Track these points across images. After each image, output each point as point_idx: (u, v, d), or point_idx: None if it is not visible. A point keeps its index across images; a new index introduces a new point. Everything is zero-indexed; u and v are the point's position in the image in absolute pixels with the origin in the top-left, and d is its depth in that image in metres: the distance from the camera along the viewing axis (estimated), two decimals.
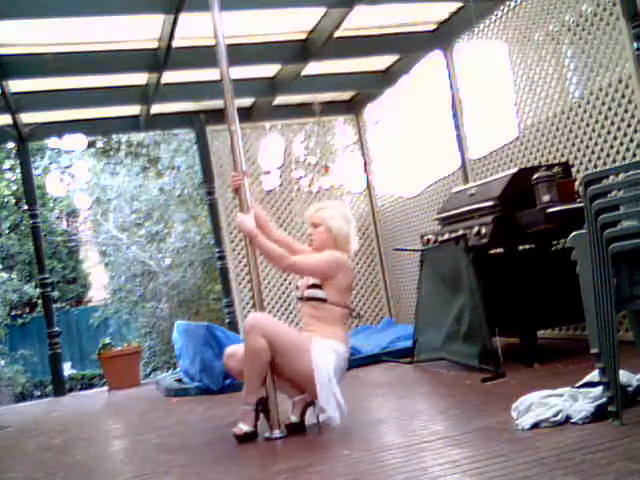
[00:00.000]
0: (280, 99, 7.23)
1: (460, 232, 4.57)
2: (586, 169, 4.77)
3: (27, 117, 6.85)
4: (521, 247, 4.75)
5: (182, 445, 3.64)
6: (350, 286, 3.58)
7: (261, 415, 3.42)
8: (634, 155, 4.40)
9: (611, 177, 3.16)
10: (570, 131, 4.98)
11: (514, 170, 4.69)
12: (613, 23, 4.48)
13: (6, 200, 13.40)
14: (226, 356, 3.65)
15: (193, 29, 5.21)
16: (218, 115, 5.84)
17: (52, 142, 12.25)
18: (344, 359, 3.49)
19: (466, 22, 5.80)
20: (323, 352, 3.37)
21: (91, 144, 13.06)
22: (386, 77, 7.21)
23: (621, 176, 2.77)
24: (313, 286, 3.52)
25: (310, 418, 3.45)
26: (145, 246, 11.81)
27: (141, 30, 5.45)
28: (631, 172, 2.57)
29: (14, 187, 13.45)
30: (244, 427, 3.36)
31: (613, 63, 4.52)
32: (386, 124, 7.69)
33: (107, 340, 7.56)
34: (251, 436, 3.35)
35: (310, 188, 8.17)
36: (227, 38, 3.63)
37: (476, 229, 4.45)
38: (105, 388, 7.55)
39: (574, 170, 4.79)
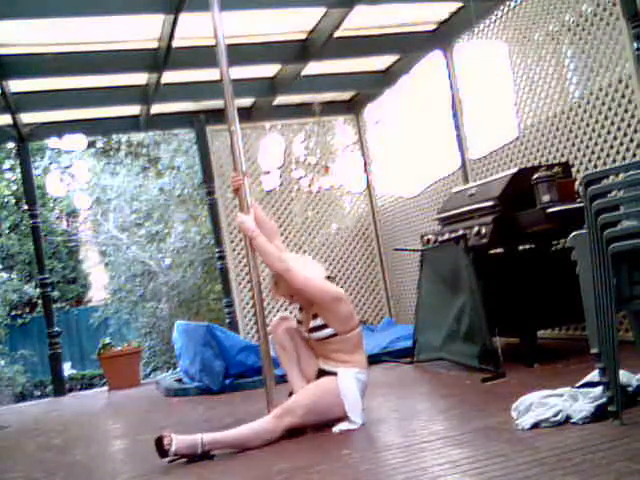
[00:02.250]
0: (280, 99, 7.23)
1: (460, 232, 4.57)
2: (586, 169, 4.77)
3: (27, 117, 6.85)
4: (521, 247, 4.75)
5: None
6: (352, 312, 3.50)
7: None
8: (634, 155, 4.40)
9: (611, 177, 3.16)
10: (570, 131, 4.98)
11: (514, 170, 4.69)
12: (613, 23, 4.48)
13: (6, 200, 13.40)
14: (275, 328, 3.58)
15: (193, 29, 5.21)
16: (218, 115, 5.84)
17: (52, 142, 12.25)
18: (366, 384, 3.48)
19: (466, 22, 5.80)
20: (348, 382, 3.35)
21: (91, 144, 13.06)
22: (386, 77, 7.21)
23: (621, 176, 2.77)
24: (316, 329, 3.45)
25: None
26: (145, 246, 11.81)
27: (141, 30, 5.45)
28: (631, 172, 2.57)
29: (14, 187, 13.45)
30: (174, 446, 3.12)
31: (613, 63, 4.52)
32: (386, 124, 7.69)
33: (107, 340, 7.57)
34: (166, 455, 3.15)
35: (310, 188, 8.18)
36: (227, 38, 3.63)
37: (476, 229, 4.45)
38: (105, 388, 7.55)
39: (574, 170, 4.79)
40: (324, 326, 3.42)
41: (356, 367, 3.43)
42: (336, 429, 3.30)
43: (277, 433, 3.23)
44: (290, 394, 3.51)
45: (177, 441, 3.12)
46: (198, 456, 3.13)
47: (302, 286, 3.40)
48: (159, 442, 3.12)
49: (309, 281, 3.41)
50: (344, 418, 3.32)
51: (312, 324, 3.47)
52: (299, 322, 3.61)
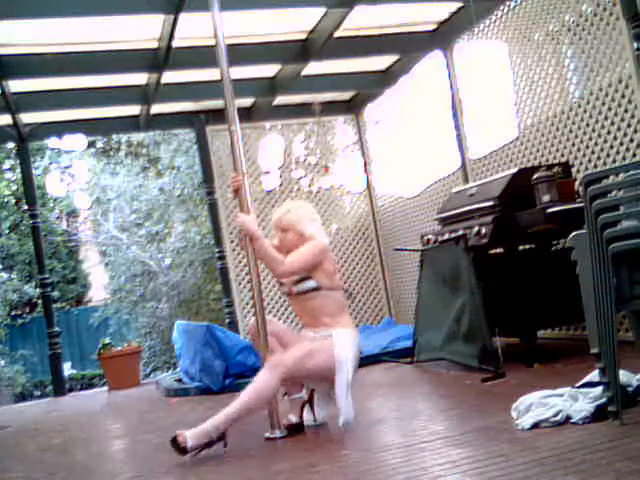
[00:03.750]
0: (280, 99, 7.23)
1: (460, 232, 4.57)
2: (586, 169, 4.77)
3: (27, 117, 6.84)
4: (521, 247, 4.75)
5: None
6: (335, 269, 3.53)
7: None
8: (634, 155, 4.40)
9: (611, 177, 3.16)
10: (570, 131, 4.98)
11: (514, 170, 4.68)
12: (613, 23, 4.48)
13: (6, 200, 13.40)
14: (251, 328, 3.54)
15: (193, 29, 5.21)
16: (218, 115, 5.86)
17: (52, 142, 12.26)
18: (360, 350, 3.47)
19: (466, 22, 5.80)
20: (345, 346, 3.34)
21: (91, 144, 13.08)
22: (386, 77, 7.20)
23: (621, 176, 2.77)
24: (301, 280, 3.44)
25: (307, 418, 3.46)
26: (145, 246, 11.81)
27: (141, 30, 5.45)
28: (631, 172, 2.57)
29: (14, 187, 13.45)
30: (191, 441, 3.12)
31: (613, 63, 4.52)
32: (386, 124, 7.69)
33: (107, 340, 7.56)
34: (185, 451, 3.12)
35: (310, 188, 8.17)
36: (227, 38, 3.63)
37: (476, 229, 4.45)
38: (105, 388, 7.55)
39: (574, 170, 4.79)
40: (308, 278, 3.42)
41: (348, 328, 3.43)
42: (308, 416, 3.34)
43: (273, 385, 3.21)
44: (285, 394, 3.51)
45: (191, 435, 3.12)
46: (216, 441, 3.15)
47: (303, 271, 3.41)
48: (175, 442, 3.12)
49: (305, 263, 3.40)
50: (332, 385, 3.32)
51: (296, 277, 3.45)
52: (280, 284, 3.59)
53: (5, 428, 5.38)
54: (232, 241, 7.48)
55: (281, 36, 5.98)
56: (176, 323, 6.55)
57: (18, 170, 10.19)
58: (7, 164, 13.68)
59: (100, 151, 13.46)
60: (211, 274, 10.75)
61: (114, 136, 12.45)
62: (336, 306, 3.45)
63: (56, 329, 7.26)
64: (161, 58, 5.67)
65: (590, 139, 4.78)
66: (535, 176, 4.28)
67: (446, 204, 5.31)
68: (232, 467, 2.99)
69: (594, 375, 2.87)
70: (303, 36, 6.01)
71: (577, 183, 4.21)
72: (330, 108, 7.83)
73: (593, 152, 4.76)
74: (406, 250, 6.85)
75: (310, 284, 3.42)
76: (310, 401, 3.49)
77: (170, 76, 6.11)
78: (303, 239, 3.48)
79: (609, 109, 4.58)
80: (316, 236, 3.48)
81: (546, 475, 2.15)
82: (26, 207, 7.59)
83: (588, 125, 4.79)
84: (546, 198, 4.19)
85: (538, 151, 5.32)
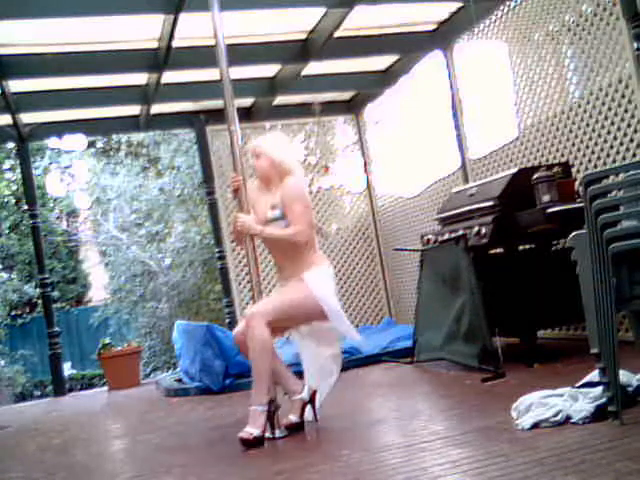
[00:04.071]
0: (280, 99, 7.23)
1: (460, 232, 4.57)
2: (586, 169, 4.77)
3: (27, 117, 6.84)
4: (521, 247, 4.75)
5: (182, 445, 3.64)
6: (310, 206, 3.60)
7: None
8: (634, 155, 4.39)
9: (611, 177, 3.16)
10: (570, 131, 4.97)
11: (514, 170, 4.68)
12: (613, 23, 4.48)
13: (6, 200, 13.40)
14: (236, 334, 3.55)
15: (193, 29, 5.21)
16: (218, 115, 5.83)
17: (52, 142, 12.25)
18: (334, 278, 3.66)
19: (466, 22, 5.80)
20: (321, 283, 3.47)
21: (91, 144, 13.07)
22: (386, 77, 7.20)
23: (621, 176, 2.77)
24: (273, 220, 3.50)
25: (308, 415, 3.46)
26: (145, 246, 11.81)
27: (141, 30, 5.45)
28: (631, 172, 2.57)
29: (14, 187, 13.45)
30: (254, 431, 3.19)
31: (613, 63, 4.52)
32: (386, 124, 7.69)
33: (107, 340, 7.57)
34: (260, 441, 3.19)
35: (310, 188, 8.17)
36: (227, 38, 3.63)
37: (476, 229, 4.45)
38: (105, 388, 7.55)
39: (574, 170, 4.79)
40: (282, 217, 3.48)
41: (321, 265, 3.54)
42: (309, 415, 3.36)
43: (264, 333, 3.28)
44: (285, 394, 3.51)
45: (251, 426, 3.20)
46: (272, 410, 3.28)
47: (309, 220, 3.51)
48: (246, 443, 3.17)
49: (305, 213, 3.49)
50: (322, 319, 3.44)
51: (270, 215, 3.51)
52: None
53: (5, 428, 5.38)
54: (232, 241, 7.48)
55: (281, 36, 5.98)
56: (176, 323, 6.55)
57: (18, 170, 10.19)
58: (7, 164, 13.68)
59: (100, 151, 13.46)
60: (211, 274, 10.75)
61: (114, 136, 12.45)
62: (308, 245, 3.51)
63: (56, 329, 7.26)
64: (161, 58, 5.67)
65: (590, 139, 4.78)
66: (535, 176, 4.28)
67: (446, 204, 5.31)
68: (232, 467, 2.99)
69: (594, 375, 2.87)
70: (303, 36, 6.01)
71: (577, 183, 4.21)
72: (330, 108, 7.82)
73: (593, 152, 4.76)
74: (406, 250, 6.85)
75: (276, 213, 3.49)
76: (312, 402, 3.48)
77: (170, 76, 6.11)
78: (272, 164, 3.55)
79: (609, 109, 4.58)
80: (294, 171, 3.57)
81: (546, 475, 2.15)
82: (26, 207, 7.59)
83: (588, 125, 4.79)
84: (546, 198, 4.19)
85: (538, 151, 5.32)
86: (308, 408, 3.49)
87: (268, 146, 3.60)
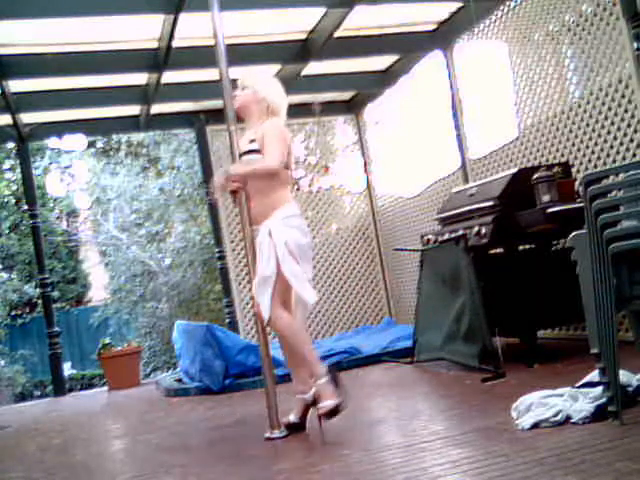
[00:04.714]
0: None
1: (460, 232, 4.57)
2: (586, 169, 4.77)
3: (27, 117, 6.85)
4: (521, 247, 4.75)
5: (182, 445, 3.64)
6: (289, 151, 3.52)
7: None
8: (634, 155, 4.40)
9: (611, 177, 3.16)
10: (570, 131, 4.98)
11: (514, 170, 4.68)
12: (613, 23, 4.48)
13: (6, 200, 13.41)
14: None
15: (193, 29, 5.21)
16: (218, 115, 5.82)
17: (52, 142, 12.26)
18: (299, 227, 3.44)
19: (466, 22, 5.80)
20: (279, 235, 3.34)
21: (91, 144, 13.08)
22: (386, 77, 7.21)
23: (621, 176, 2.77)
24: (249, 152, 3.48)
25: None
26: (145, 246, 11.82)
27: (141, 30, 5.45)
28: (631, 172, 2.57)
29: (14, 187, 13.46)
30: (330, 402, 3.23)
31: (613, 63, 4.52)
32: (386, 124, 7.69)
33: (107, 340, 7.57)
34: (339, 409, 3.23)
35: (310, 188, 8.17)
36: (227, 38, 3.63)
37: (476, 229, 4.45)
38: (105, 388, 7.55)
39: (574, 170, 4.79)
40: (258, 150, 3.44)
41: (281, 205, 3.42)
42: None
43: (285, 317, 3.31)
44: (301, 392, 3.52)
45: (325, 400, 3.22)
46: (335, 375, 3.28)
47: (283, 152, 3.45)
48: (329, 413, 3.21)
49: (279, 145, 3.43)
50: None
51: (246, 148, 3.49)
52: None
53: (5, 428, 5.38)
54: (232, 241, 7.49)
55: (281, 36, 5.98)
56: (176, 323, 6.55)
57: (18, 170, 10.20)
58: (7, 164, 13.68)
59: (100, 151, 13.46)
60: (211, 274, 10.76)
61: (114, 136, 12.45)
62: (278, 184, 3.45)
63: (56, 329, 7.26)
64: (161, 58, 5.67)
65: (590, 139, 4.78)
66: (535, 176, 4.28)
67: (446, 204, 5.31)
68: (232, 467, 2.99)
69: (594, 375, 2.87)
70: (303, 36, 6.01)
71: (577, 183, 4.21)
72: (330, 108, 7.82)
73: (593, 152, 4.76)
74: (406, 250, 6.85)
75: (253, 145, 3.46)
76: (315, 403, 3.47)
77: (170, 76, 6.11)
78: (255, 99, 3.53)
79: (609, 109, 4.58)
80: (278, 113, 3.56)
81: (546, 475, 2.15)
82: (26, 207, 7.60)
83: (588, 125, 4.79)
84: (546, 198, 4.19)
85: (538, 151, 5.32)
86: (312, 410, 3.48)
87: (255, 80, 3.61)
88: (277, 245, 3.35)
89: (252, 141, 3.49)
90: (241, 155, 3.51)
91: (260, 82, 3.62)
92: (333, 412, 3.23)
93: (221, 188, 3.61)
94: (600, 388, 2.73)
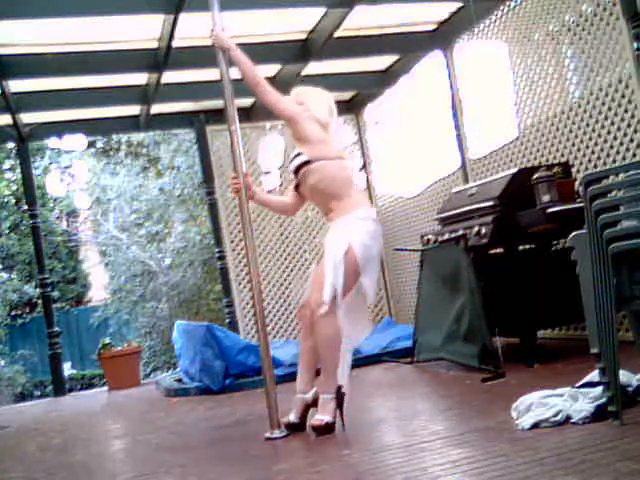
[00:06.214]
0: None
1: (460, 232, 4.57)
2: (586, 169, 4.77)
3: (27, 117, 6.84)
4: (521, 247, 4.75)
5: (182, 445, 3.64)
6: (324, 137, 3.49)
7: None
8: (634, 155, 4.40)
9: (611, 177, 3.15)
10: (570, 131, 4.98)
11: (514, 170, 4.69)
12: (613, 23, 4.48)
13: (6, 200, 13.40)
14: (301, 309, 3.47)
15: (193, 29, 5.21)
16: (218, 115, 5.84)
17: (52, 142, 12.25)
18: (376, 231, 3.34)
19: (466, 22, 5.80)
20: (352, 235, 3.24)
21: (91, 144, 13.06)
22: (386, 77, 7.20)
23: (621, 176, 2.77)
24: (294, 159, 3.45)
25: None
26: (145, 246, 11.81)
27: (141, 30, 5.45)
28: (631, 172, 2.57)
29: (14, 187, 13.45)
30: (324, 417, 3.23)
31: (613, 63, 4.52)
32: (386, 124, 7.69)
33: (107, 340, 7.57)
34: (332, 427, 3.23)
35: None
36: (227, 38, 3.63)
37: (476, 229, 4.45)
38: (105, 388, 7.55)
39: (574, 170, 4.79)
40: (298, 155, 3.42)
41: (354, 209, 3.33)
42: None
43: (336, 325, 3.22)
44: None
45: (322, 414, 3.22)
46: (340, 395, 3.24)
47: (270, 104, 3.50)
48: (318, 428, 3.19)
49: (274, 99, 3.51)
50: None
51: (295, 162, 3.48)
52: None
53: (5, 428, 5.38)
54: (232, 241, 7.49)
55: (281, 36, 5.98)
56: (176, 323, 6.55)
57: (18, 170, 10.19)
58: (7, 164, 13.68)
59: (100, 151, 13.46)
60: (211, 274, 10.75)
61: (114, 136, 12.45)
62: (338, 181, 3.39)
63: (56, 329, 7.25)
64: (161, 58, 5.67)
65: (590, 139, 4.78)
66: (535, 176, 4.28)
67: (446, 204, 5.32)
68: (232, 467, 2.99)
69: (594, 375, 2.87)
70: (303, 36, 6.01)
71: (577, 183, 4.21)
72: None
73: (593, 152, 4.76)
74: (406, 250, 6.85)
75: (301, 159, 3.41)
76: (315, 404, 3.46)
77: (170, 76, 6.11)
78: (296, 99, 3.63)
79: (609, 109, 4.58)
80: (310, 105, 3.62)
81: (546, 475, 2.15)
82: (26, 207, 7.59)
83: (588, 125, 4.79)
84: (546, 198, 4.19)
85: (538, 151, 5.32)
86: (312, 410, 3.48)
87: (306, 97, 3.75)
88: (354, 238, 3.27)
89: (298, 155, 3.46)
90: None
91: (314, 105, 3.66)
92: (325, 429, 3.21)
93: (240, 187, 3.54)
94: (600, 388, 2.73)
